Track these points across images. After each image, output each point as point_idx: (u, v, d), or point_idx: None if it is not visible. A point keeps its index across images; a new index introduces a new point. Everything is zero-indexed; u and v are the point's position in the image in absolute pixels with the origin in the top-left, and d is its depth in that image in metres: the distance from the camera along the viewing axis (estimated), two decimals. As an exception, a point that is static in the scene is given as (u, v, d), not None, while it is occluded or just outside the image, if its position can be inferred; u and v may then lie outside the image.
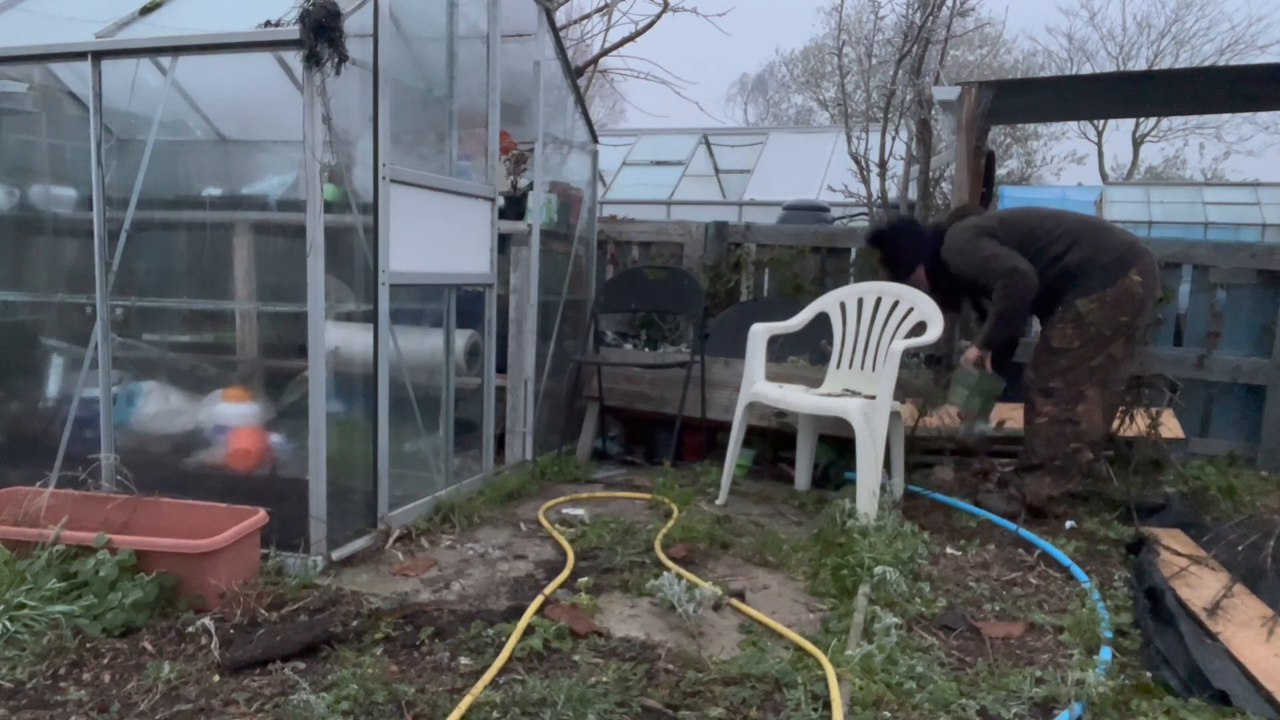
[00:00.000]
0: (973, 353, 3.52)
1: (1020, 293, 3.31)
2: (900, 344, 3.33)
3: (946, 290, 3.62)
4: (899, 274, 3.69)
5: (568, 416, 4.35)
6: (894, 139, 7.14)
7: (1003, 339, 3.52)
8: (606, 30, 8.61)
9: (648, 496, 3.65)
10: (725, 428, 3.76)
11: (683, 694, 2.01)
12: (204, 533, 2.40)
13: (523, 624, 2.29)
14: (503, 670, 2.09)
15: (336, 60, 2.52)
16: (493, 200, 3.55)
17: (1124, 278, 3.31)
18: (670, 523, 3.21)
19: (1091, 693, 2.01)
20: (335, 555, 2.74)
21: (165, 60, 2.76)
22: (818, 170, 11.16)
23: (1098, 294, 3.31)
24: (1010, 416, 4.23)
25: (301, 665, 2.10)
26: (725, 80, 35.91)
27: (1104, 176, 20.63)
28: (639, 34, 7.99)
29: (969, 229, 3.49)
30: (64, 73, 3.19)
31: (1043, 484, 3.39)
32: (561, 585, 2.64)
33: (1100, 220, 3.79)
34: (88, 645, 2.17)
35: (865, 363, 3.67)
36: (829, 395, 3.51)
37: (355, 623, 2.32)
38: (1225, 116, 19.26)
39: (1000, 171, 18.24)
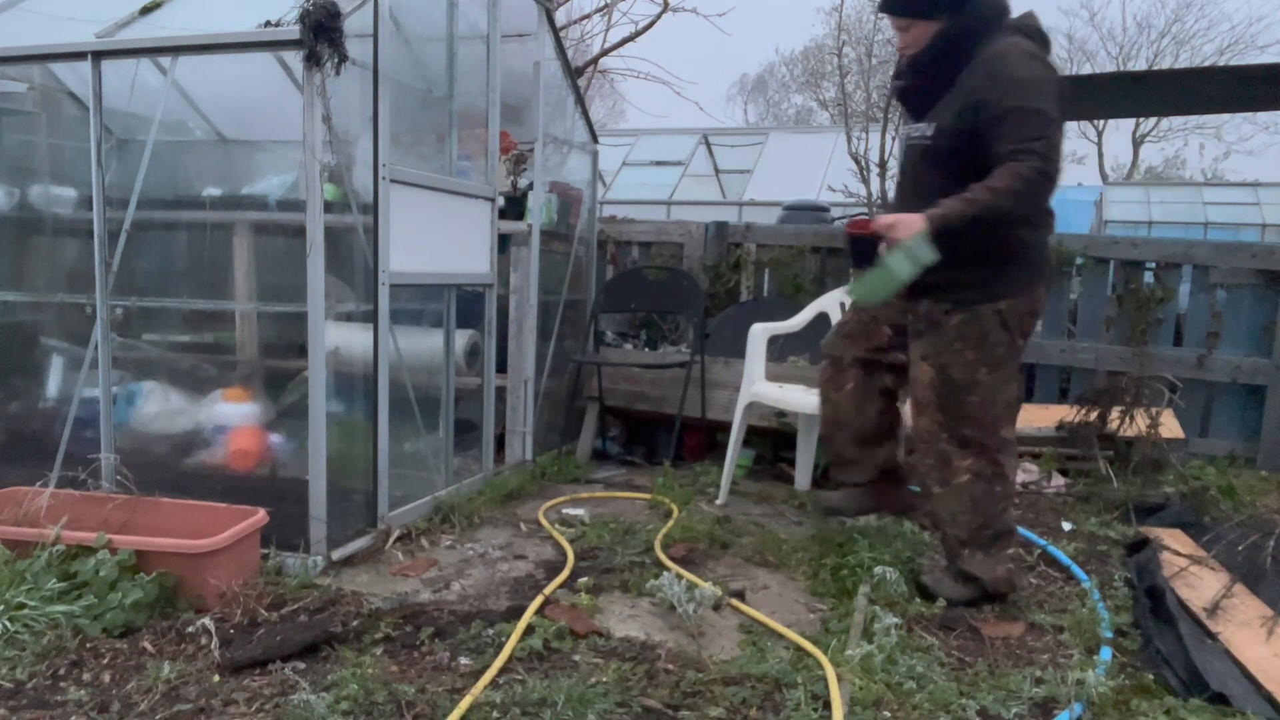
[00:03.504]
0: (915, 220, 2.37)
1: (1037, 191, 2.38)
2: (900, 344, 3.32)
3: (930, 90, 2.54)
4: (914, 6, 2.53)
5: (568, 416, 4.35)
6: (894, 139, 7.14)
7: (969, 222, 2.36)
8: (606, 30, 8.60)
9: (648, 496, 3.65)
10: (725, 428, 3.76)
11: (683, 694, 2.01)
12: (204, 533, 2.40)
13: (523, 624, 2.29)
14: (503, 670, 2.09)
15: (336, 60, 2.52)
16: (493, 200, 3.55)
17: (1034, 289, 2.56)
18: (670, 523, 3.21)
19: (1091, 693, 2.01)
20: (335, 555, 2.74)
21: (165, 60, 2.76)
22: (818, 170, 11.16)
23: (1008, 300, 2.50)
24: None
25: (301, 665, 2.10)
26: (725, 80, 35.91)
27: (1104, 176, 20.63)
28: (639, 34, 7.99)
29: (1040, 58, 2.44)
30: (64, 73, 3.19)
31: (990, 563, 2.59)
32: (561, 585, 2.64)
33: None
34: (88, 645, 2.17)
35: (865, 363, 3.67)
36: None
37: (355, 623, 2.32)
38: (1225, 116, 19.26)
39: (1000, 171, 18.13)
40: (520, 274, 3.88)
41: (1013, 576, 2.63)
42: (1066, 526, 3.33)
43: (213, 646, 2.16)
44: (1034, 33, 2.49)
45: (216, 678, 2.04)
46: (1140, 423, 3.85)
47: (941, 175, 2.49)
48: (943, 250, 2.37)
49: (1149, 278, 4.54)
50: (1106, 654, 2.25)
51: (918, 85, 2.58)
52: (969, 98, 2.42)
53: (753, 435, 3.93)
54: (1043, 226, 2.58)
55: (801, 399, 3.45)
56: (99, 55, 2.75)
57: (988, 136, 2.37)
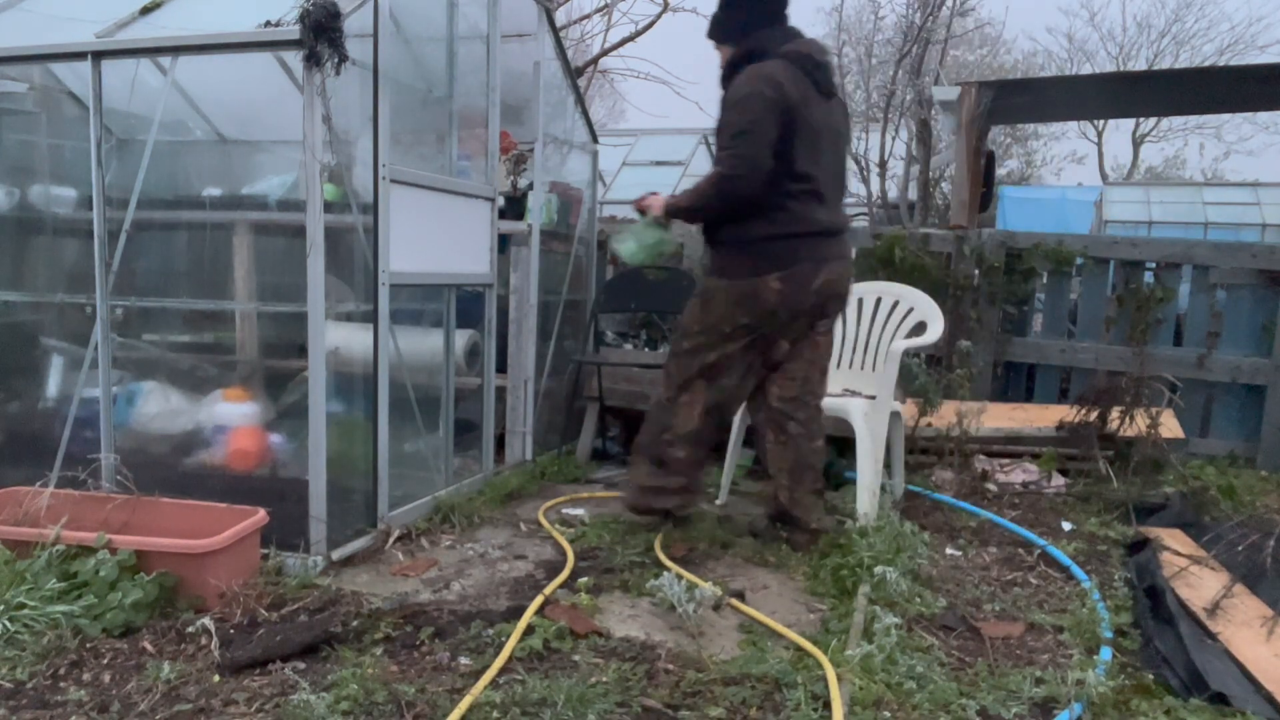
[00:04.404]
0: (658, 202, 3.05)
1: (722, 193, 2.82)
2: (900, 344, 3.33)
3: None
4: (712, 31, 2.98)
5: (568, 416, 4.35)
6: (894, 139, 7.15)
7: (685, 212, 3.01)
8: (606, 30, 8.63)
9: (648, 496, 3.65)
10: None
11: (683, 694, 2.01)
12: (204, 533, 2.40)
13: (523, 624, 2.29)
14: (503, 670, 2.09)
15: (336, 60, 2.52)
16: (493, 200, 3.55)
17: (763, 277, 2.83)
18: (670, 523, 3.21)
19: (1091, 693, 2.01)
20: (335, 555, 2.74)
21: (165, 60, 2.76)
22: (818, 170, 11.15)
23: (729, 280, 2.89)
24: (1010, 417, 4.23)
25: (301, 665, 2.10)
26: (725, 80, 35.73)
27: (1104, 176, 20.64)
28: (639, 34, 8.00)
29: (764, 76, 2.76)
30: (64, 73, 3.19)
31: (639, 471, 3.04)
32: (561, 585, 2.64)
33: (834, 196, 2.96)
34: (88, 645, 2.17)
35: (865, 363, 3.67)
36: (829, 395, 3.51)
37: (355, 623, 2.32)
38: (1225, 116, 19.27)
39: (1000, 171, 18.25)
40: (520, 274, 3.88)
41: (646, 494, 3.06)
42: (1066, 526, 3.33)
43: (213, 646, 2.16)
44: (795, 57, 2.82)
45: (216, 678, 2.04)
46: (1140, 423, 3.85)
47: None
48: (706, 237, 3.01)
49: (1149, 278, 4.54)
50: (1106, 654, 2.25)
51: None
52: None
53: (753, 435, 3.92)
54: (775, 223, 2.83)
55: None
56: (99, 55, 2.75)
57: None
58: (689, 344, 2.98)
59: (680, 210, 3.01)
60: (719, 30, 2.95)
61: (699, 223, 3.07)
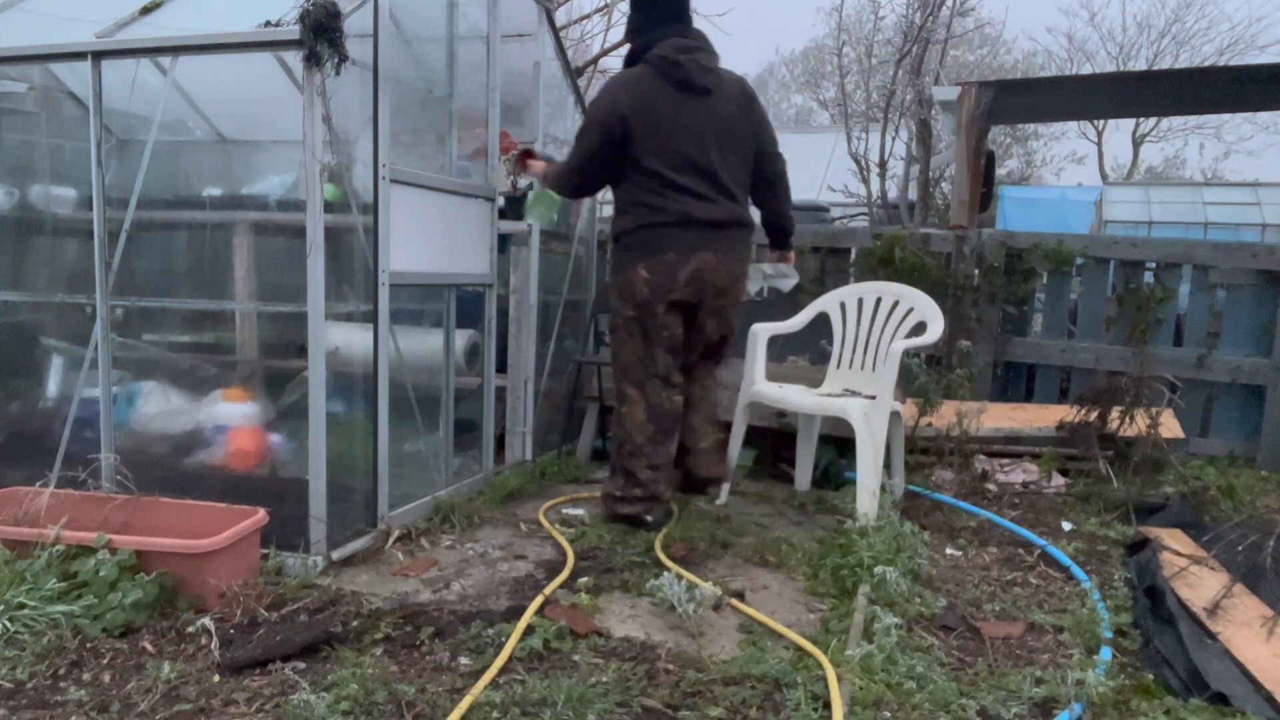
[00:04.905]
0: (540, 166, 3.44)
1: (556, 184, 3.31)
2: (900, 344, 3.33)
3: None
4: (629, 34, 3.24)
5: (568, 416, 4.35)
6: (894, 139, 7.15)
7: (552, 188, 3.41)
8: (606, 30, 8.63)
9: (648, 496, 3.65)
10: (725, 427, 3.76)
11: (683, 694, 2.01)
12: (204, 533, 2.40)
13: (523, 624, 2.29)
14: (503, 670, 2.09)
15: (336, 60, 2.52)
16: (493, 200, 3.55)
17: (633, 269, 3.06)
18: (670, 523, 3.21)
19: (1091, 693, 2.01)
20: (335, 555, 2.74)
21: (165, 60, 2.76)
22: (818, 170, 11.17)
23: (614, 277, 3.17)
24: (1010, 417, 4.23)
25: (301, 665, 2.10)
26: (725, 80, 35.73)
27: (1104, 176, 20.63)
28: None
29: (606, 89, 3.13)
30: (64, 73, 3.19)
31: (610, 482, 3.25)
32: (561, 585, 2.64)
33: (715, 190, 3.08)
34: (88, 645, 2.17)
35: (865, 363, 3.67)
36: (829, 395, 3.51)
37: (355, 623, 2.32)
38: (1225, 116, 19.25)
39: (1000, 171, 18.24)
40: (520, 274, 3.88)
41: (613, 501, 3.21)
42: (1066, 526, 3.33)
43: (213, 646, 2.16)
44: (655, 60, 3.06)
45: (216, 678, 2.04)
46: (1140, 423, 3.85)
47: None
48: None
49: (1149, 278, 4.54)
50: (1106, 654, 2.25)
51: None
52: None
53: (753, 435, 3.93)
54: (637, 217, 3.09)
55: (801, 399, 3.45)
56: (99, 55, 2.75)
57: None
58: (613, 352, 3.26)
59: (548, 182, 3.39)
60: (626, 30, 3.26)
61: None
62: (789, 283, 3.70)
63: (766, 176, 3.25)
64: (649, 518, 3.17)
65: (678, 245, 3.03)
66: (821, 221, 6.92)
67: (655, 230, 3.04)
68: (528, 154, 3.53)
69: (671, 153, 3.01)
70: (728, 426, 3.53)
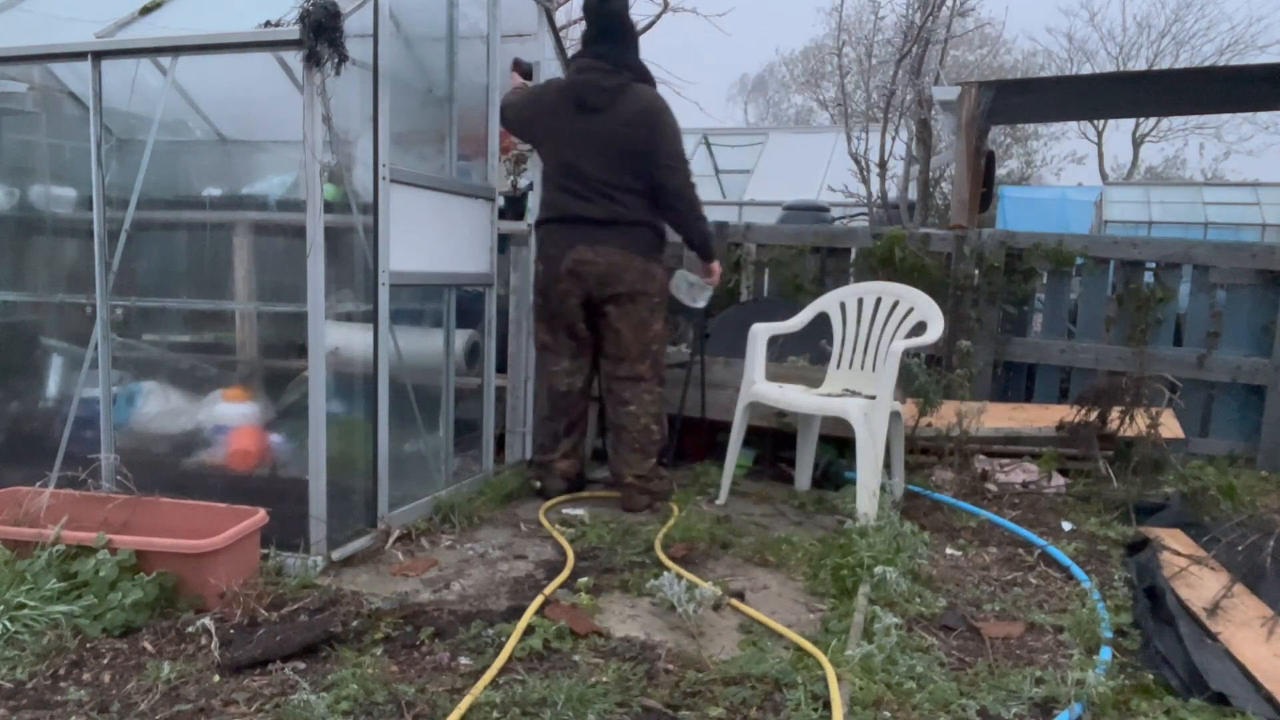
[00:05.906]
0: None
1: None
2: (900, 344, 3.33)
3: None
4: (614, 46, 3.45)
5: (568, 416, 4.35)
6: (894, 139, 7.15)
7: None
8: (606, 30, 8.59)
9: (648, 496, 3.64)
10: (725, 427, 3.76)
11: (683, 694, 2.01)
12: (204, 533, 2.40)
13: (523, 624, 2.29)
14: (503, 670, 2.09)
15: (336, 60, 2.52)
16: (493, 200, 3.55)
17: (536, 259, 3.54)
18: (670, 523, 3.21)
19: (1091, 693, 2.01)
20: (335, 555, 2.74)
21: (165, 60, 2.75)
22: (818, 170, 11.16)
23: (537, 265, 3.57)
24: (1010, 417, 4.23)
25: (301, 665, 2.10)
26: (725, 80, 35.86)
27: (1104, 176, 20.64)
28: (639, 34, 7.99)
29: (531, 91, 3.64)
30: (64, 73, 3.19)
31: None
32: (561, 585, 2.64)
33: (598, 193, 3.38)
34: (88, 645, 2.17)
35: (865, 363, 3.67)
36: (829, 395, 3.51)
37: (355, 623, 2.32)
38: (1225, 116, 19.27)
39: (1000, 171, 18.24)
40: (520, 274, 3.89)
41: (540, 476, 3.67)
42: (1066, 526, 3.33)
43: (213, 646, 2.16)
44: (567, 77, 3.51)
45: (216, 678, 2.04)
46: (1140, 423, 3.85)
47: None
48: None
49: (1149, 278, 4.54)
50: (1106, 654, 2.25)
51: None
52: None
53: (753, 435, 3.93)
54: (540, 214, 3.53)
55: (801, 399, 3.45)
56: (99, 55, 2.75)
57: None
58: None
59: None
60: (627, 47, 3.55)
61: None
62: (703, 295, 3.75)
63: (661, 187, 3.40)
64: (536, 484, 3.65)
65: (559, 239, 3.40)
66: (822, 221, 6.92)
67: (547, 225, 3.46)
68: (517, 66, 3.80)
69: (561, 159, 3.40)
70: (660, 445, 3.60)
